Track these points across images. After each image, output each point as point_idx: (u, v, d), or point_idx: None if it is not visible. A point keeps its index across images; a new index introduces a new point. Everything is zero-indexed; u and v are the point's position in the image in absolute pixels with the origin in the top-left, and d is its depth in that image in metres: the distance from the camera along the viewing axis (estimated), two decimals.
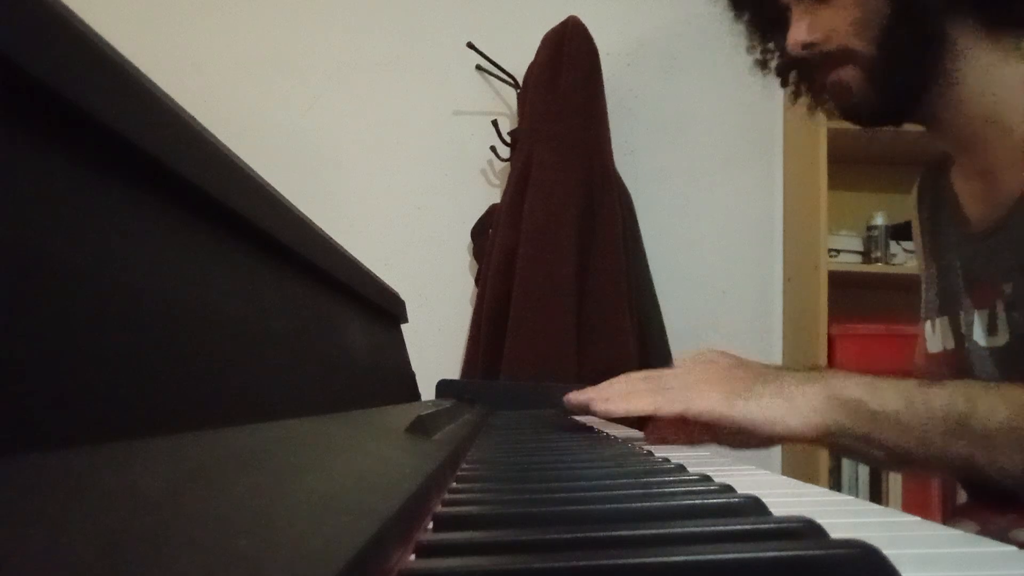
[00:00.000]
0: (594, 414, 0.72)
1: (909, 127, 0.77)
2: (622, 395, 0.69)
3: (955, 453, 0.58)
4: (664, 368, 0.73)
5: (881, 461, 0.67)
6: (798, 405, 0.63)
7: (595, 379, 0.76)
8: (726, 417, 0.64)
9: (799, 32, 0.74)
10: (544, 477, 0.39)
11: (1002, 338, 0.70)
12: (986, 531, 0.69)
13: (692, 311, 1.88)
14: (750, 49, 0.89)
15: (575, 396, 0.73)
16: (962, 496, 0.83)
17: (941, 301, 0.81)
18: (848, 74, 0.73)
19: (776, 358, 1.87)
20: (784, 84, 0.89)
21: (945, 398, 0.58)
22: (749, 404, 0.64)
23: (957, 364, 0.77)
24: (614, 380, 0.74)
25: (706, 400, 0.65)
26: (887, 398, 0.60)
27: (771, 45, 0.88)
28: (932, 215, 0.84)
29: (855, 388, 0.62)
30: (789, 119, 1.92)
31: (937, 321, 0.81)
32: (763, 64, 0.89)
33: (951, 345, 0.78)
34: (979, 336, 0.73)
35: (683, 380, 0.68)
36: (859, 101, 0.74)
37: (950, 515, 0.78)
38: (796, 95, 0.89)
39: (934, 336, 0.81)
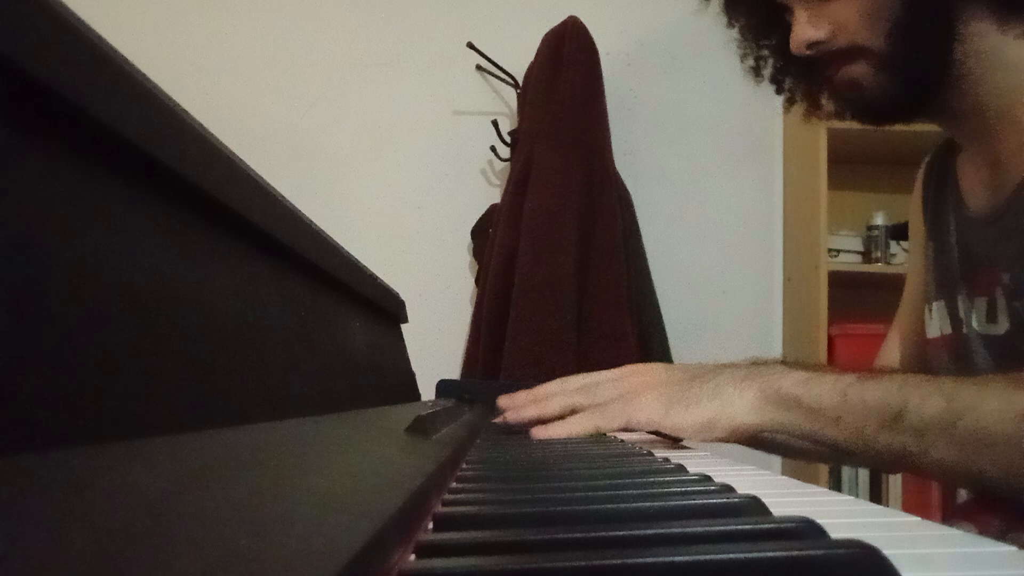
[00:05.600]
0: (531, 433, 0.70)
1: (913, 125, 0.76)
2: (562, 419, 0.68)
3: (890, 446, 0.57)
4: (599, 372, 0.71)
5: (817, 455, 0.66)
6: (735, 407, 0.62)
7: None
8: (664, 427, 0.64)
9: (804, 31, 0.72)
10: (544, 477, 0.39)
11: (1002, 326, 0.70)
12: (985, 531, 0.69)
13: (692, 311, 1.87)
14: (744, 57, 0.86)
15: (509, 407, 0.71)
16: (962, 496, 0.83)
17: (937, 285, 0.80)
18: (858, 71, 0.71)
19: None
20: (779, 91, 0.87)
21: (879, 392, 0.57)
22: (687, 412, 0.63)
23: (956, 349, 0.76)
24: (549, 389, 0.71)
25: (645, 411, 0.65)
26: (823, 394, 0.59)
27: (766, 50, 0.85)
28: (936, 195, 0.83)
29: (791, 385, 0.61)
30: (789, 119, 1.92)
31: (935, 305, 0.80)
32: (757, 71, 0.86)
33: (948, 330, 0.77)
34: (977, 323, 0.73)
35: (619, 388, 0.68)
36: (872, 98, 0.72)
37: (950, 515, 0.78)
38: (792, 101, 0.87)
39: (932, 321, 0.80)
